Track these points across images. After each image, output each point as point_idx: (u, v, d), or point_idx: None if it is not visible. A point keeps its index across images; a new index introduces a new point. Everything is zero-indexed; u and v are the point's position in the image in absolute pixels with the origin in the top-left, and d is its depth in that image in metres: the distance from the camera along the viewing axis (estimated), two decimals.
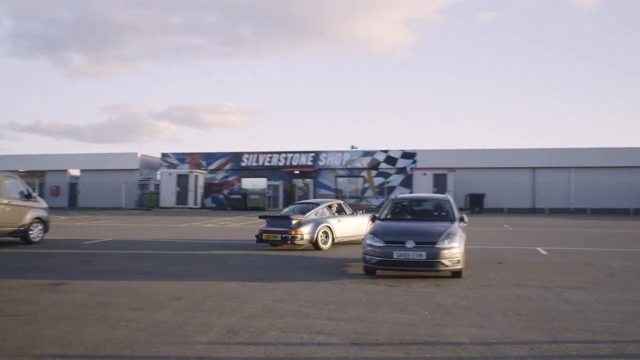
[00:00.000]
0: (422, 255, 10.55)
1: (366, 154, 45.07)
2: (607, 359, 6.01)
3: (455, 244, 10.73)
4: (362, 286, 10.17)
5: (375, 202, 43.13)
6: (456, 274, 10.91)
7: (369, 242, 11.11)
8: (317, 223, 16.22)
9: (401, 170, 44.24)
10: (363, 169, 44.92)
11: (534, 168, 42.92)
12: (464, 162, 42.88)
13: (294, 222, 15.98)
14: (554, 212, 41.12)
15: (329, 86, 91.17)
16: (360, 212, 18.96)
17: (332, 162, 45.25)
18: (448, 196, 13.57)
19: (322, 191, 44.87)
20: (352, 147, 47.44)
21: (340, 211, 17.53)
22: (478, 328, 7.20)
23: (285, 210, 18.43)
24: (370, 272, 11.24)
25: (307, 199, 43.91)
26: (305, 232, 15.87)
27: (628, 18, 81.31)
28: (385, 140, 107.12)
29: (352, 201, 43.83)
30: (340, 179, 45.46)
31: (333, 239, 16.41)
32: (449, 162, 42.44)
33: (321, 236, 16.10)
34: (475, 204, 40.61)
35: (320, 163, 45.30)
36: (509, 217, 34.84)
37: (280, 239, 15.91)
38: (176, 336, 6.80)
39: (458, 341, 6.61)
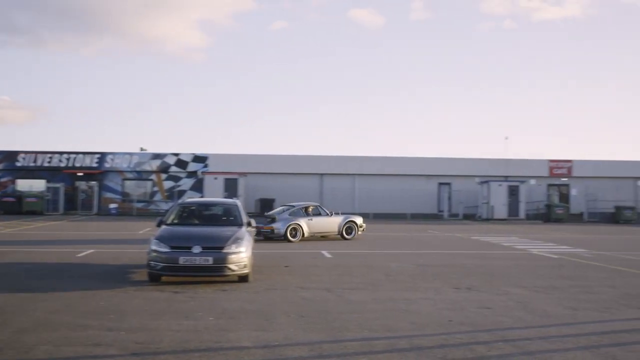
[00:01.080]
0: (209, 260, 10.43)
1: (156, 156, 43.80)
2: (380, 354, 6.34)
3: (242, 249, 10.75)
4: (145, 293, 9.79)
5: (164, 206, 42.07)
6: (243, 279, 10.93)
7: (153, 247, 10.72)
8: (287, 221, 20.39)
9: (192, 174, 43.65)
10: (152, 172, 43.60)
11: (321, 174, 44.77)
12: (256, 167, 43.47)
13: (268, 219, 20.53)
14: None
15: (119, 85, 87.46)
16: (336, 213, 22.34)
17: (119, 164, 43.34)
18: (236, 201, 13.58)
19: (108, 194, 42.82)
20: (142, 149, 45.82)
21: (317, 213, 21.38)
22: (262, 331, 7.24)
23: (274, 211, 22.68)
24: (155, 278, 10.86)
25: (92, 202, 41.72)
26: (276, 227, 20.18)
27: (409, 39, 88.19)
28: (177, 144, 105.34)
29: (140, 205, 42.39)
30: (128, 182, 43.67)
31: (303, 234, 20.45)
32: (240, 166, 42.74)
33: (290, 231, 20.21)
34: (265, 208, 41.32)
35: (107, 165, 43.19)
36: None
37: (256, 232, 18.92)
38: None
39: (241, 345, 6.59)
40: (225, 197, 32.49)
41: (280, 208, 22.33)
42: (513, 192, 41.80)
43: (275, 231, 20.14)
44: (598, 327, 7.78)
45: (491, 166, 45.11)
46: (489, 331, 7.44)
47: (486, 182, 42.25)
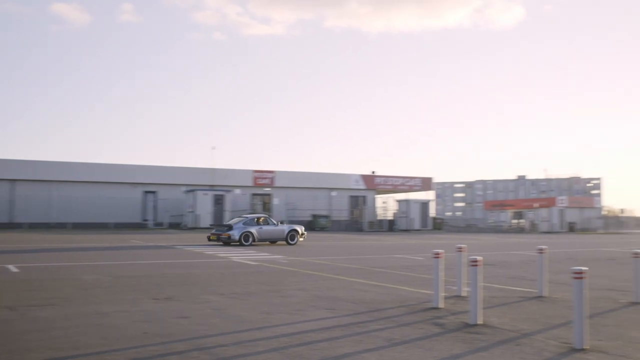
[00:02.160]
0: None
1: None
2: None
3: None
4: None
5: None
6: None
7: None
8: (241, 229, 25.57)
9: None
10: None
11: (13, 180, 40.93)
12: None
13: (226, 228, 25.90)
14: (34, 226, 39.95)
15: None
16: (281, 222, 30.90)
17: None
18: None
19: None
20: None
21: (266, 223, 26.68)
22: None
23: (231, 220, 28.16)
24: None
25: None
26: (232, 234, 25.33)
27: (116, 40, 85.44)
28: None
29: None
30: None
31: (254, 239, 25.72)
32: None
33: (244, 237, 25.39)
34: None
35: None
36: None
37: (216, 238, 25.54)
38: None
39: None
40: None
41: (237, 219, 27.30)
42: (218, 201, 42.80)
43: (232, 237, 25.23)
44: (288, 329, 8.15)
45: (198, 175, 45.68)
46: (185, 340, 7.34)
47: (192, 190, 42.63)
